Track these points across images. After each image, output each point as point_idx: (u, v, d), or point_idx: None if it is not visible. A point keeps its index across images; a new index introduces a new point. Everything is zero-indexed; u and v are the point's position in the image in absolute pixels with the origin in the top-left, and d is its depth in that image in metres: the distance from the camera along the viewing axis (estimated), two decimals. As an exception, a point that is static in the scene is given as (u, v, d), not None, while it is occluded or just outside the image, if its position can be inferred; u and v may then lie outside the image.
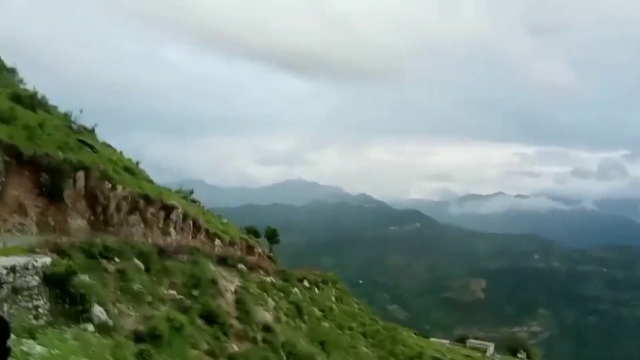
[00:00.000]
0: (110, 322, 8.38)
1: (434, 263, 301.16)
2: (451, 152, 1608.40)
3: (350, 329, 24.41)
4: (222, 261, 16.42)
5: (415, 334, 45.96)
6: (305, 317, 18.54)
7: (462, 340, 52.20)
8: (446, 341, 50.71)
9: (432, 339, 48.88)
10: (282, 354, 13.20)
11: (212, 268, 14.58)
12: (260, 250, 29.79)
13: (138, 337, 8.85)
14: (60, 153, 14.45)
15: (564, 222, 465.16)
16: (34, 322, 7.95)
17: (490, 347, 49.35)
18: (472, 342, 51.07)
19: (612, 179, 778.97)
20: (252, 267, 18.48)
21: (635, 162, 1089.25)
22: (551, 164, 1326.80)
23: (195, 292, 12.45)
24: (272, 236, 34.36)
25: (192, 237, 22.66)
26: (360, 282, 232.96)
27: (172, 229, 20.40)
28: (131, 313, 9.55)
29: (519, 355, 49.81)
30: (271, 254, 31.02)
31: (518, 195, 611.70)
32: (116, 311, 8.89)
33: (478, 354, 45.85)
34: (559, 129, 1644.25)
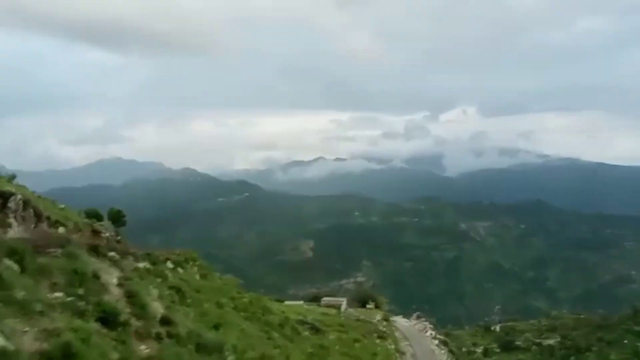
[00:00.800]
0: (11, 346, 6.05)
1: (264, 230, 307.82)
2: (273, 122, 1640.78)
3: (225, 305, 23.05)
4: (93, 251, 13.82)
5: (269, 299, 45.69)
6: (189, 300, 16.73)
7: (316, 299, 53.65)
8: (300, 302, 51.70)
9: (286, 302, 49.35)
10: (191, 347, 11.49)
11: (90, 260, 12.11)
12: (107, 234, 26.45)
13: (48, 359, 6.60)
14: None
15: (379, 180, 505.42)
16: None
17: (344, 303, 51.56)
18: (326, 299, 52.75)
19: (416, 139, 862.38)
20: (121, 254, 16.03)
21: (434, 122, 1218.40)
22: (364, 128, 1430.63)
23: (80, 291, 10.08)
24: (117, 218, 30.85)
25: (34, 227, 19.02)
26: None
27: (12, 220, 16.84)
28: (26, 328, 7.16)
29: (367, 305, 52.86)
30: (119, 238, 27.77)
31: (337, 159, 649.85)
32: (8, 330, 6.51)
33: (334, 311, 47.50)
34: (368, 96, 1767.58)
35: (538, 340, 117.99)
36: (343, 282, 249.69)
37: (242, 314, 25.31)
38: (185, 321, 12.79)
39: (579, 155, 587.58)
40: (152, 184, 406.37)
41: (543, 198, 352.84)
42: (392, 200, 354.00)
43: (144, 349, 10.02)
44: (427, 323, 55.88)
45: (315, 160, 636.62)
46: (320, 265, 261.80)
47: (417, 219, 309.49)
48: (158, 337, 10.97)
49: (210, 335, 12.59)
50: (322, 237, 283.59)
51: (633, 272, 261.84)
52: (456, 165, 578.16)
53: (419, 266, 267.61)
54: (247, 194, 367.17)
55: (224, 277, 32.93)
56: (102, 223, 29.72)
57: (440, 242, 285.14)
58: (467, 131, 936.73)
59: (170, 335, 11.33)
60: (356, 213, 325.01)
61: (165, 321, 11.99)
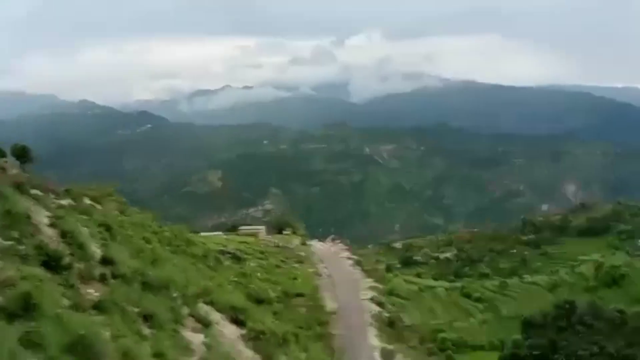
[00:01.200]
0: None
1: (170, 162, 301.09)
2: (174, 49, 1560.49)
3: (151, 241, 22.46)
4: (17, 188, 12.67)
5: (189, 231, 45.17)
6: (119, 237, 16.02)
7: (233, 228, 53.84)
8: (219, 233, 51.65)
9: (203, 234, 49.09)
10: (137, 286, 11.10)
11: (18, 199, 11.07)
12: (14, 172, 24.50)
13: (9, 314, 5.94)
14: None
15: (287, 108, 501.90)
16: None
17: (262, 230, 52.15)
18: (243, 228, 53.09)
19: (323, 65, 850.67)
20: (44, 191, 14.88)
21: (341, 48, 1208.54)
22: (271, 54, 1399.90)
23: (15, 234, 9.24)
24: (22, 154, 28.41)
25: None
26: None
27: None
28: (-26, 281, 6.46)
29: (284, 232, 53.88)
30: (27, 175, 25.77)
31: (245, 87, 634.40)
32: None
33: (252, 239, 48.00)
34: (274, 19, 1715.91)
35: (436, 255, 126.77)
36: (251, 210, 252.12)
37: (167, 248, 24.87)
38: (125, 260, 12.30)
39: (477, 78, 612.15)
40: (46, 119, 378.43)
41: (444, 120, 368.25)
42: (300, 127, 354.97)
43: (92, 292, 9.54)
44: (341, 245, 58.04)
45: (221, 89, 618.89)
46: (229, 195, 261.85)
47: (324, 146, 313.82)
48: (102, 279, 10.48)
49: (154, 273, 12.24)
50: (230, 167, 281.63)
51: (521, 187, 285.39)
52: (362, 91, 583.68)
53: (326, 191, 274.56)
54: (150, 125, 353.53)
55: (142, 212, 31.91)
56: (5, 160, 27.44)
57: (348, 166, 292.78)
58: (372, 56, 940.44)
59: (114, 276, 10.86)
60: (265, 142, 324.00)
61: (107, 261, 11.45)
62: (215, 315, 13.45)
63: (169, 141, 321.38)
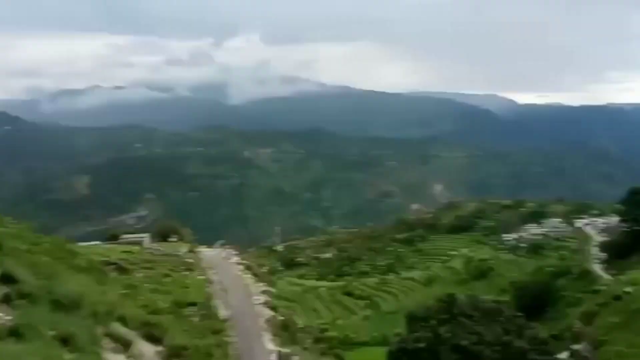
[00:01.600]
0: None
1: (30, 166, 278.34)
2: (37, 45, 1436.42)
3: (35, 253, 20.19)
4: None
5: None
6: (6, 251, 14.17)
7: (114, 237, 50.40)
8: (97, 242, 48.15)
9: (80, 244, 45.51)
10: (47, 306, 9.85)
11: None
12: None
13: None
14: None
15: (162, 110, 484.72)
16: None
17: (147, 238, 49.42)
18: (126, 237, 49.94)
19: (201, 66, 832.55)
20: None
21: (219, 49, 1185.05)
22: (145, 53, 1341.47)
23: None
24: None
25: None
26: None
27: None
28: None
29: (170, 239, 51.50)
30: None
31: (115, 87, 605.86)
32: None
33: (137, 248, 45.37)
34: (149, 18, 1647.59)
35: (317, 255, 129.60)
36: (123, 217, 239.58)
37: (51, 260, 22.65)
38: (27, 277, 10.87)
39: (351, 84, 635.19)
40: None
41: (321, 124, 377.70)
42: (176, 130, 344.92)
43: (3, 316, 8.30)
44: (231, 250, 56.93)
45: (90, 88, 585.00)
46: (98, 202, 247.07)
47: (202, 148, 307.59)
48: (7, 300, 9.16)
49: (61, 291, 10.95)
50: (99, 172, 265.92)
51: (393, 189, 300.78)
52: (241, 93, 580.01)
53: (204, 195, 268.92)
54: (7, 127, 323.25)
55: (17, 221, 28.81)
56: None
57: (226, 170, 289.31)
58: (250, 59, 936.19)
59: (23, 296, 9.55)
60: (137, 144, 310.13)
61: (8, 279, 10.04)
62: (128, 333, 12.38)
63: (29, 144, 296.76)
